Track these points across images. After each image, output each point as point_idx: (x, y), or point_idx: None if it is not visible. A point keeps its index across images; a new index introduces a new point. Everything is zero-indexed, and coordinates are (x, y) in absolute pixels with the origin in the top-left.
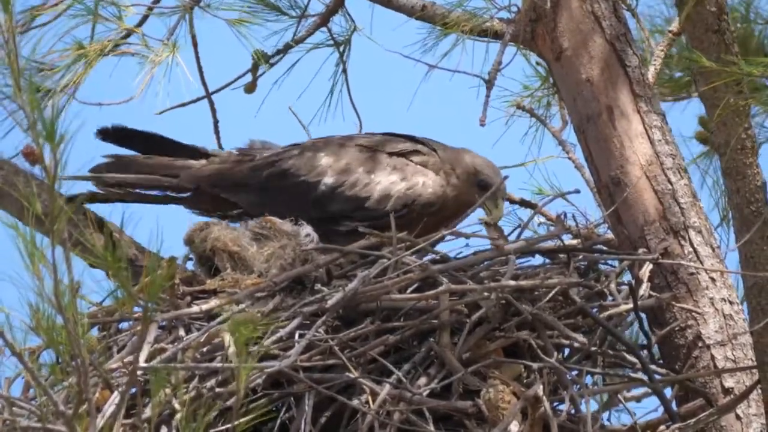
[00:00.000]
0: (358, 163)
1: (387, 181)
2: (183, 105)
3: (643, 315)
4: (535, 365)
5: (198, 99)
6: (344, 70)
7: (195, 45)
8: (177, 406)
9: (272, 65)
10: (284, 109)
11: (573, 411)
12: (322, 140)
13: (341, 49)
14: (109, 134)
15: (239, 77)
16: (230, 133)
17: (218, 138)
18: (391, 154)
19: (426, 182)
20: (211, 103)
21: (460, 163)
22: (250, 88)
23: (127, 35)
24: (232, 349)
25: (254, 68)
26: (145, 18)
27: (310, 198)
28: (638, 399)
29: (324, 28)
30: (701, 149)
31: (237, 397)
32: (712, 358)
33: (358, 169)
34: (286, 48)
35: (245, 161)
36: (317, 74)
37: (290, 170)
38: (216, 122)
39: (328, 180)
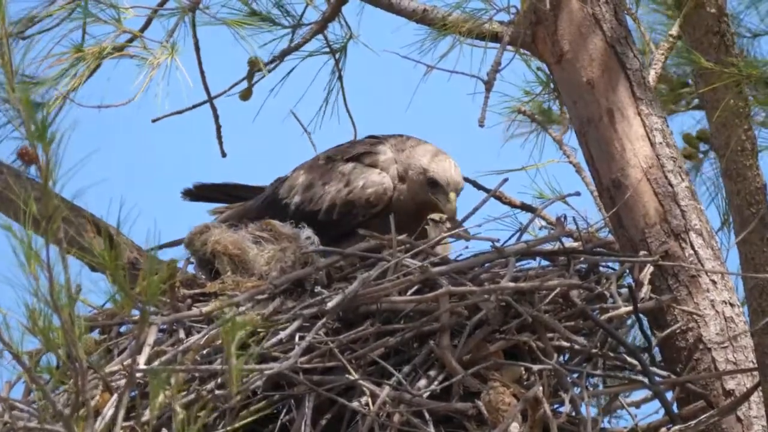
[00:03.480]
0: (319, 176)
1: (334, 190)
2: (180, 112)
3: (643, 317)
4: (535, 367)
5: (199, 104)
6: (340, 77)
7: (197, 49)
8: (176, 408)
9: (269, 71)
10: (281, 115)
11: (573, 413)
12: (314, 157)
13: (337, 56)
14: (192, 194)
15: (236, 84)
16: (227, 138)
17: (220, 143)
18: (347, 160)
19: (365, 183)
20: (214, 109)
21: (412, 163)
22: (246, 95)
23: (131, 39)
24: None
25: (250, 75)
26: (149, 21)
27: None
28: (638, 404)
29: (320, 36)
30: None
31: (230, 398)
32: (713, 360)
33: (318, 182)
34: (282, 55)
35: (266, 193)
36: (313, 81)
37: (279, 195)
38: (218, 127)
39: (297, 199)
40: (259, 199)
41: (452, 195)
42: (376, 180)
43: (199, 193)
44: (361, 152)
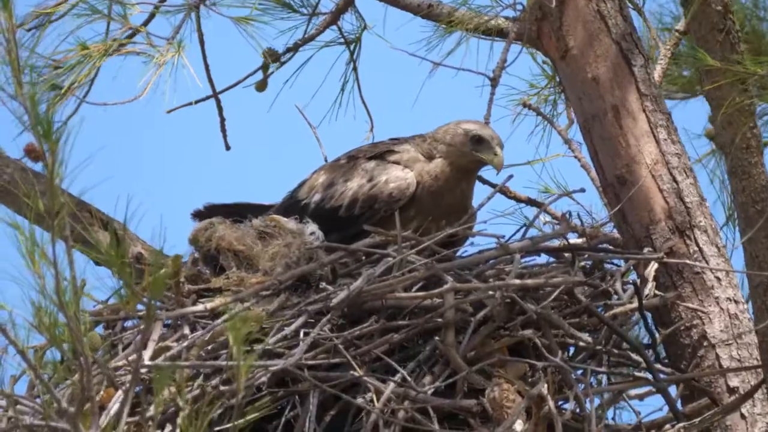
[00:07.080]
0: (340, 175)
1: (357, 185)
2: (191, 104)
3: (648, 314)
4: (539, 364)
5: (206, 98)
6: (355, 69)
7: (202, 43)
8: (181, 404)
9: (283, 63)
10: (294, 107)
11: (578, 410)
12: (335, 159)
13: (351, 47)
14: (202, 214)
15: (249, 75)
16: (240, 131)
17: (225, 136)
18: (370, 158)
19: (389, 178)
20: (218, 102)
21: (444, 137)
22: (261, 87)
23: (133, 34)
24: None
25: (265, 66)
26: (151, 17)
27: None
28: (642, 398)
29: (334, 27)
30: (707, 149)
31: (237, 394)
32: (717, 357)
33: (339, 180)
34: (296, 46)
35: (285, 198)
36: (328, 73)
37: (298, 196)
38: (222, 120)
39: (317, 197)
40: (279, 205)
41: (497, 149)
42: (399, 175)
43: (209, 213)
44: (383, 151)
